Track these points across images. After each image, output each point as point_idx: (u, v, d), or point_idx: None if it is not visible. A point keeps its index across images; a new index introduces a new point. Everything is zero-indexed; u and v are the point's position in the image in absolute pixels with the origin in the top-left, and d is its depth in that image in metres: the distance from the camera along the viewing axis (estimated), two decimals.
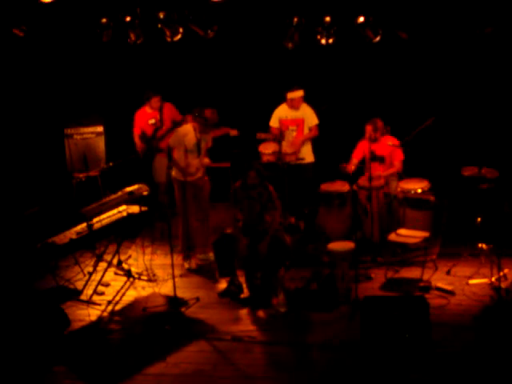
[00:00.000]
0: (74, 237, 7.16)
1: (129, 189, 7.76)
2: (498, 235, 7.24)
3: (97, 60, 9.84)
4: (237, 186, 7.49)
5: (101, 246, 7.90)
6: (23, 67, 9.62)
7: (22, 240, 7.78)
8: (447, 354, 6.03)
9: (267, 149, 8.61)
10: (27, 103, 9.76)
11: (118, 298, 7.49)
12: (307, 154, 8.77)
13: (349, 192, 8.12)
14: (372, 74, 9.40)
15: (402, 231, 7.62)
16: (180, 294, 7.34)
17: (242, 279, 7.43)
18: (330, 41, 8.46)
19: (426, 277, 7.45)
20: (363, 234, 8.19)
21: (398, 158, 8.19)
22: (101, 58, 9.82)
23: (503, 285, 7.05)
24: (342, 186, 8.21)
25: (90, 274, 7.72)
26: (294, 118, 8.76)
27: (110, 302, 7.39)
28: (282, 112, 8.84)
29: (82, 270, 7.99)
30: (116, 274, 8.00)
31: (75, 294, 7.47)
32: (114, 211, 7.60)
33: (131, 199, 7.68)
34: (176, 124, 8.77)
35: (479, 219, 7.63)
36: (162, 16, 8.49)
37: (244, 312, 7.10)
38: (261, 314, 7.05)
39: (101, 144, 9.93)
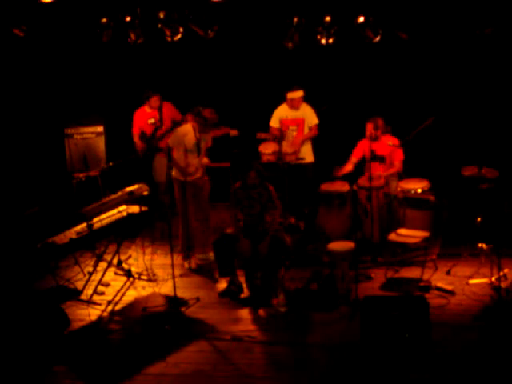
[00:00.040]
0: (74, 237, 7.16)
1: (129, 189, 7.76)
2: (497, 235, 7.24)
3: (97, 60, 9.83)
4: (237, 187, 7.49)
5: (101, 245, 7.90)
6: (23, 67, 9.62)
7: (22, 240, 7.78)
8: (447, 354, 6.03)
9: (267, 149, 8.61)
10: (27, 103, 9.77)
11: (118, 298, 7.49)
12: (307, 154, 8.78)
13: (349, 192, 8.12)
14: (372, 75, 9.39)
15: (402, 231, 7.62)
16: (180, 293, 7.34)
17: (242, 279, 7.44)
18: (330, 41, 8.46)
19: (425, 277, 7.45)
20: (363, 234, 8.19)
21: (398, 157, 8.19)
22: (101, 58, 9.82)
23: (503, 285, 7.06)
24: (342, 186, 8.21)
25: (90, 273, 7.72)
26: (295, 117, 8.77)
27: (110, 302, 7.39)
28: (282, 112, 8.85)
29: (82, 270, 7.99)
30: (116, 273, 8.00)
31: (75, 294, 7.47)
32: (114, 211, 7.60)
33: (131, 199, 7.68)
34: (176, 124, 8.76)
35: (479, 219, 7.63)
36: (162, 16, 8.49)
37: (244, 312, 7.10)
38: (261, 313, 7.05)
39: (101, 144, 9.93)
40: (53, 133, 9.87)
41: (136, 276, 7.90)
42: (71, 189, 9.29)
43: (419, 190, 7.82)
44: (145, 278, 7.87)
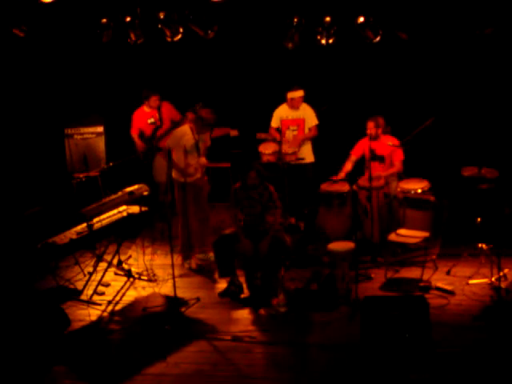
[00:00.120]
0: (74, 237, 7.16)
1: (129, 189, 7.76)
2: (497, 235, 7.24)
3: (97, 60, 9.84)
4: (237, 187, 7.49)
5: (101, 246, 7.88)
6: (23, 67, 9.63)
7: (22, 240, 7.78)
8: (447, 354, 6.02)
9: (267, 149, 8.62)
10: (27, 103, 9.77)
11: (118, 298, 7.49)
12: (307, 154, 8.78)
13: (349, 192, 8.12)
14: (372, 75, 9.40)
15: (402, 231, 7.62)
16: (180, 293, 7.34)
17: (242, 279, 7.44)
18: (330, 41, 8.47)
19: (425, 277, 7.45)
20: (363, 235, 8.19)
21: (398, 158, 8.19)
22: (101, 58, 9.82)
23: (503, 285, 7.06)
24: (342, 186, 8.21)
25: (90, 274, 7.72)
26: (295, 117, 8.77)
27: (110, 302, 7.39)
28: (282, 112, 8.85)
29: (82, 270, 7.99)
30: (116, 274, 8.00)
31: (75, 294, 7.47)
32: (114, 211, 7.60)
33: (131, 199, 7.68)
34: (176, 123, 8.77)
35: (479, 219, 7.63)
36: (162, 16, 8.50)
37: (244, 312, 7.10)
38: (261, 313, 7.05)
39: (101, 144, 9.93)
40: (53, 133, 9.88)
41: (136, 276, 7.90)
42: (71, 189, 9.30)
43: (419, 191, 7.82)
44: (145, 278, 7.87)
